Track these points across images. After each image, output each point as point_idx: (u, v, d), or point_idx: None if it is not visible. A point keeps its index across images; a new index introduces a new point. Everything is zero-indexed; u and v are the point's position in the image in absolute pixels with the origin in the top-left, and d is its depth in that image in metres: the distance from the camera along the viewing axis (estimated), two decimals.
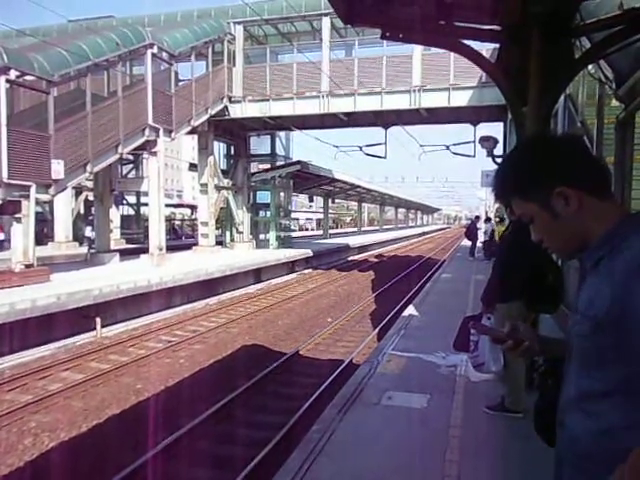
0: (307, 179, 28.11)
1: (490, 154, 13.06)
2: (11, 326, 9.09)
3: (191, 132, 19.71)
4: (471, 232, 23.67)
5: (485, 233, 23.65)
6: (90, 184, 20.20)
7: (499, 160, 14.19)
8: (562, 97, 7.82)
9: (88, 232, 24.44)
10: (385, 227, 64.56)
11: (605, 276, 1.12)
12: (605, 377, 1.11)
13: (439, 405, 5.06)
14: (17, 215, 11.63)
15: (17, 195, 11.41)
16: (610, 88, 6.45)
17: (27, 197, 11.59)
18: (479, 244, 23.21)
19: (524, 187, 1.26)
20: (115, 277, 12.49)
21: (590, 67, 6.65)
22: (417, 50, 17.73)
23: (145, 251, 17.06)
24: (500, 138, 15.74)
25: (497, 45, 5.65)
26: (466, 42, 5.33)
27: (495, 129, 20.34)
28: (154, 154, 16.39)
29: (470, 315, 4.74)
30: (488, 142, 13.13)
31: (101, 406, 6.96)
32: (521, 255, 4.17)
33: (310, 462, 3.85)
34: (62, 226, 21.87)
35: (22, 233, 11.74)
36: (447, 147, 19.38)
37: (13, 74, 11.39)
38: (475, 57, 5.32)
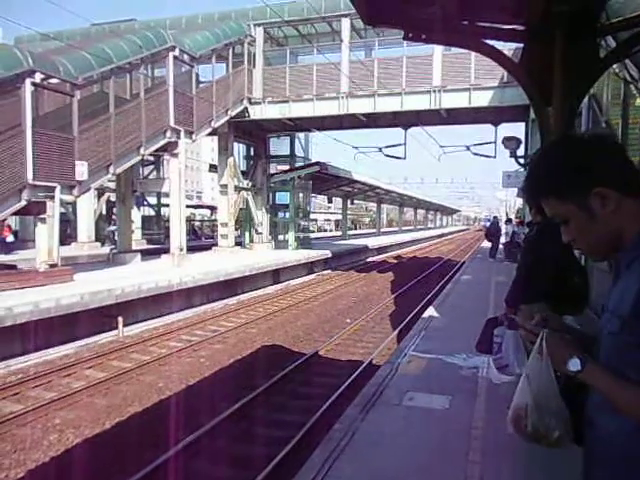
0: (326, 180, 28.11)
1: (513, 155, 12.97)
2: (36, 324, 9.26)
3: (211, 133, 19.90)
4: (492, 233, 23.27)
5: (506, 234, 23.30)
6: (112, 185, 20.53)
7: (522, 160, 14.08)
8: (586, 97, 7.72)
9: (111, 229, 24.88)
10: (404, 228, 64.28)
11: (637, 275, 1.11)
12: (636, 376, 1.08)
13: (461, 406, 5.04)
14: (42, 216, 11.85)
15: (42, 196, 11.61)
16: (635, 88, 6.37)
17: (52, 198, 11.79)
18: (500, 245, 22.84)
19: (562, 187, 1.24)
20: (136, 277, 12.65)
21: (615, 66, 6.56)
22: (437, 50, 17.64)
23: (166, 251, 17.25)
24: (521, 138, 15.61)
25: (520, 44, 5.60)
26: (489, 42, 5.30)
27: (516, 129, 20.14)
28: (175, 155, 16.55)
29: (493, 317, 4.70)
30: (511, 142, 13.05)
31: (124, 404, 7.05)
32: (545, 256, 4.12)
33: (332, 460, 3.87)
34: (85, 227, 22.22)
35: (47, 233, 11.95)
36: (467, 148, 19.27)
37: (38, 77, 11.61)
38: (498, 57, 5.28)
